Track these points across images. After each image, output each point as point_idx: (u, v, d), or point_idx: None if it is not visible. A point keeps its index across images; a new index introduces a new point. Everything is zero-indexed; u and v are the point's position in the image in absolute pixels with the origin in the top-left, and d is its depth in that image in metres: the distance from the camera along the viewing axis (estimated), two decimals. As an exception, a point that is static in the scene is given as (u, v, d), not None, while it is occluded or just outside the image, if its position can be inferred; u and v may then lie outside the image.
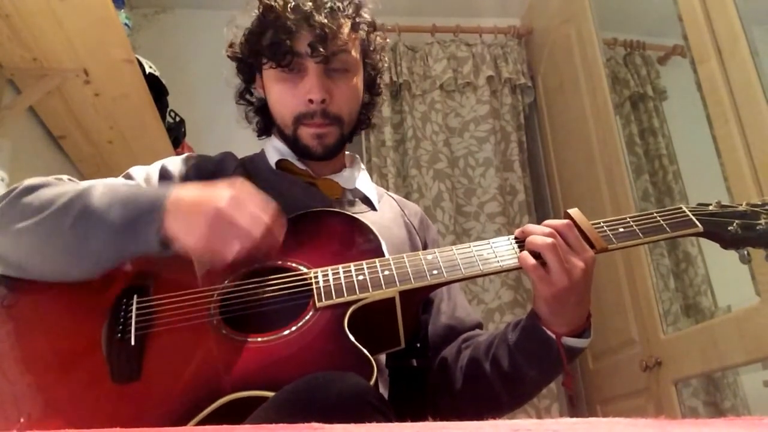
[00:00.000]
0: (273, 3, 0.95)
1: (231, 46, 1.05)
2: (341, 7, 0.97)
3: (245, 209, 0.74)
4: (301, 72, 0.96)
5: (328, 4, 0.95)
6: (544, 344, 0.82)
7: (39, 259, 0.79)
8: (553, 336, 0.82)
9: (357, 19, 0.99)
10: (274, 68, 0.96)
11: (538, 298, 0.82)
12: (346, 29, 0.97)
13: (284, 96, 0.98)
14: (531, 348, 0.84)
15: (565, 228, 0.79)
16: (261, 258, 0.77)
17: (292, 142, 1.00)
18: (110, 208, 0.76)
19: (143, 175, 0.96)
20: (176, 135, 2.28)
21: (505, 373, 0.86)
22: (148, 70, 2.03)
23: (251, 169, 1.03)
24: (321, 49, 0.92)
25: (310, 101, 0.95)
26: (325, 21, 0.93)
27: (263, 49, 0.96)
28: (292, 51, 0.93)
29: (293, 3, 0.94)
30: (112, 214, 0.76)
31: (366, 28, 1.02)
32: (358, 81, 1.01)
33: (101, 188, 0.80)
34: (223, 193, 0.74)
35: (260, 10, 0.97)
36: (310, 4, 0.94)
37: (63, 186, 0.83)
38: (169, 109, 2.27)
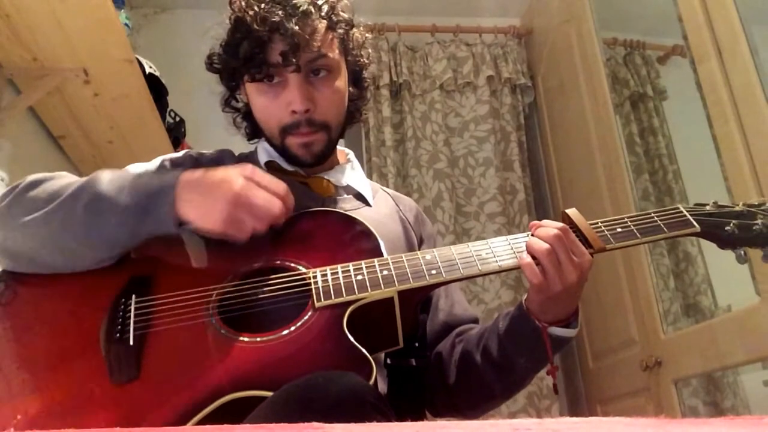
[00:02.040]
0: (243, 15, 0.92)
1: (210, 57, 1.02)
2: (312, 11, 0.93)
3: (260, 190, 0.77)
4: (282, 82, 0.93)
5: (300, 9, 0.92)
6: (532, 333, 0.84)
7: (50, 250, 0.80)
8: (540, 326, 0.83)
9: (334, 18, 0.97)
10: (250, 82, 0.95)
11: (531, 294, 0.84)
12: (320, 32, 0.94)
13: (267, 108, 0.96)
14: (520, 337, 0.86)
15: (563, 232, 0.80)
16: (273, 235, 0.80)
17: (281, 151, 0.99)
18: (120, 192, 0.78)
19: (142, 172, 0.96)
20: (176, 135, 2.28)
21: (495, 361, 0.88)
22: (148, 70, 2.03)
23: None
24: (293, 59, 0.90)
25: (294, 112, 0.93)
26: (296, 28, 0.90)
27: (239, 62, 0.94)
28: (267, 63, 0.91)
29: (262, 14, 0.91)
30: (123, 198, 0.77)
31: (344, 27, 0.99)
32: (342, 81, 0.99)
33: (109, 175, 0.82)
34: (236, 174, 0.77)
35: (232, 22, 0.95)
36: (281, 12, 0.91)
37: (67, 178, 0.85)
38: (169, 109, 2.27)
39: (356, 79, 1.06)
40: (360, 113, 1.09)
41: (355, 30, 1.02)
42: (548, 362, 0.85)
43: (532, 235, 0.82)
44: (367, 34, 1.06)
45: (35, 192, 0.82)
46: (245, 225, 0.76)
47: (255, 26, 0.90)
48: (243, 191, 0.76)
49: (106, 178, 0.81)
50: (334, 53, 0.97)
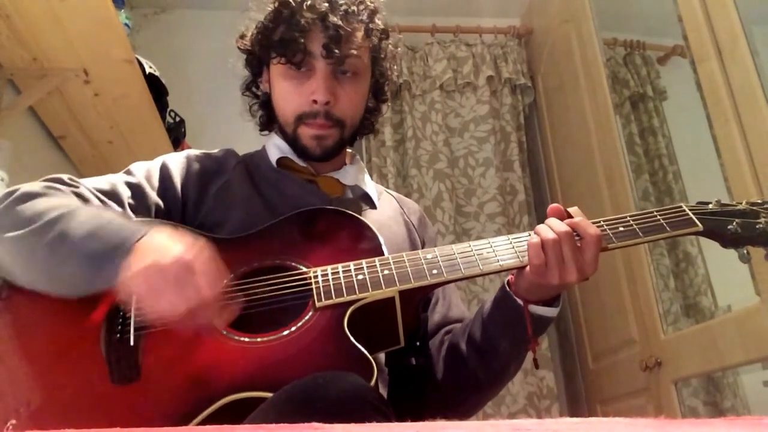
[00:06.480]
0: None
1: (242, 37, 1.04)
2: (356, 11, 0.96)
3: (191, 278, 0.71)
4: (309, 71, 0.95)
5: (344, 7, 0.95)
6: (514, 311, 0.84)
7: (23, 272, 0.79)
8: (521, 303, 0.83)
9: (371, 25, 0.99)
10: (283, 64, 0.95)
11: (527, 273, 0.82)
12: (359, 34, 0.97)
13: (289, 93, 0.97)
14: (502, 317, 0.86)
15: (565, 236, 0.79)
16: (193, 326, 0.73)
17: (292, 140, 1.00)
18: (84, 239, 0.75)
19: (144, 172, 0.96)
20: (176, 135, 2.28)
21: (479, 346, 0.87)
22: (148, 70, 2.03)
23: (251, 167, 1.03)
24: (335, 51, 0.92)
25: (314, 102, 0.94)
26: (340, 23, 0.93)
27: (275, 43, 0.96)
28: (304, 49, 0.93)
29: (309, 1, 0.93)
30: (84, 246, 0.74)
31: (378, 35, 1.01)
32: (365, 86, 1.01)
33: (84, 215, 0.78)
34: (181, 253, 0.72)
35: (275, 5, 0.96)
36: (326, 4, 0.94)
37: (56, 198, 0.82)
38: (169, 109, 2.27)
39: (378, 90, 1.07)
40: (372, 125, 1.10)
41: (388, 42, 1.04)
42: (529, 344, 0.84)
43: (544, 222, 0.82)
44: (398, 49, 1.08)
45: (21, 208, 0.80)
46: (162, 302, 0.70)
47: (301, 11, 0.93)
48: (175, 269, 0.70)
49: (81, 217, 0.77)
50: (365, 58, 0.99)
